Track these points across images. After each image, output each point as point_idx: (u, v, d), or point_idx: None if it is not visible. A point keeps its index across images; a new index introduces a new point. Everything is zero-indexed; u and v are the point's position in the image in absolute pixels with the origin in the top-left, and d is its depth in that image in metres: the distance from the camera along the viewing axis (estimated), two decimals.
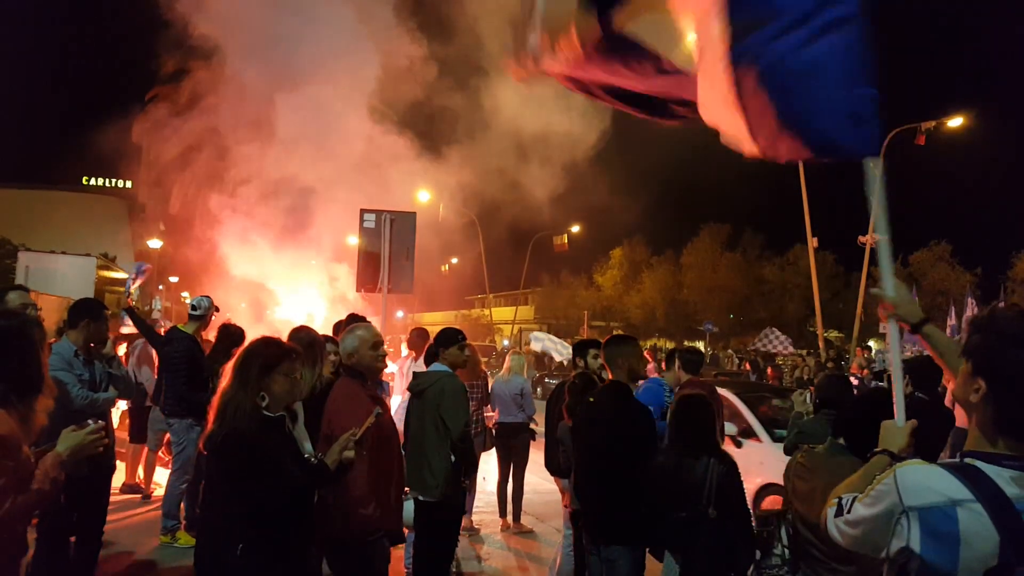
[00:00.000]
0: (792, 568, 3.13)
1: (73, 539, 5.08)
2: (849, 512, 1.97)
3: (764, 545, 3.42)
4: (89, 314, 5.15)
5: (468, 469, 5.07)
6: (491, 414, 8.13)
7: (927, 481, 1.79)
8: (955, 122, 22.72)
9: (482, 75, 17.91)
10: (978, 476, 1.75)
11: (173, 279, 45.35)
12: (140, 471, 8.71)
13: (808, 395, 6.25)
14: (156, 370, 8.01)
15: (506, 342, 41.01)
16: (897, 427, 2.34)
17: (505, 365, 8.43)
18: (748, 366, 24.45)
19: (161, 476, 8.90)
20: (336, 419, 3.95)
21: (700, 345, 38.85)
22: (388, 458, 4.14)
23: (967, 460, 1.82)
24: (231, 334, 6.53)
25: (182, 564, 5.93)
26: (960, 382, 1.93)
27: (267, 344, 3.25)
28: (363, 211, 9.34)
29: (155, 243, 39.09)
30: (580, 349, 6.33)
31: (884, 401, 2.99)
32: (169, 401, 6.80)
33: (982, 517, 1.69)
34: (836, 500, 2.05)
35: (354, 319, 6.78)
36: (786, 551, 3.24)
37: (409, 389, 5.40)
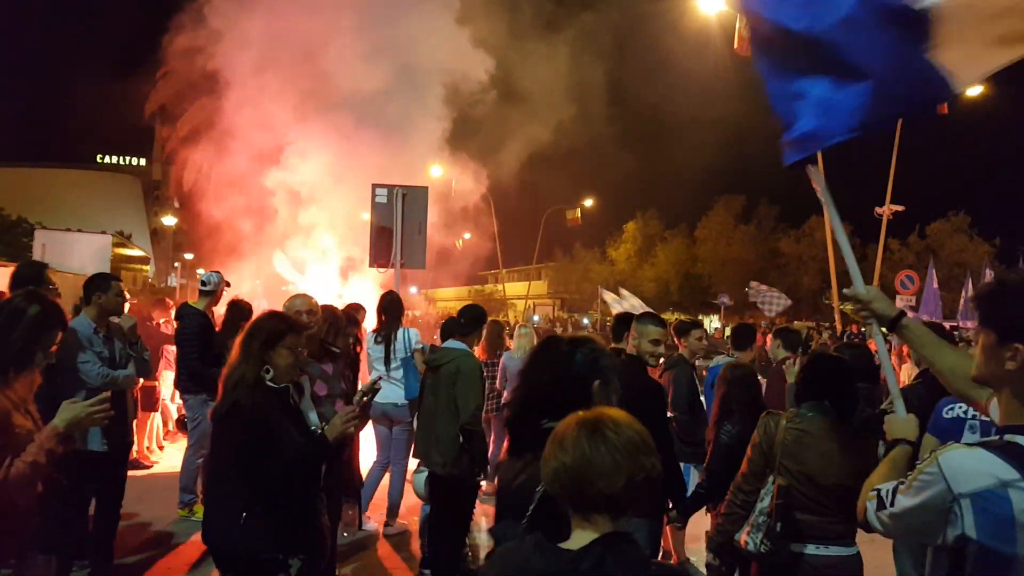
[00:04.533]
0: (783, 529, 3.25)
1: (92, 513, 5.15)
2: (892, 505, 1.92)
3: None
4: (98, 287, 5.10)
5: (479, 458, 5.05)
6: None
7: (974, 464, 1.73)
8: (975, 91, 22.31)
9: (496, 53, 17.74)
10: (1022, 454, 1.70)
11: (188, 256, 45.63)
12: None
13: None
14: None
15: (536, 318, 40.69)
16: (901, 419, 2.44)
17: (515, 339, 8.41)
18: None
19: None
20: None
21: (715, 319, 38.73)
22: None
23: (1007, 437, 1.76)
24: (241, 309, 6.52)
25: (199, 537, 5.99)
26: (985, 357, 1.87)
27: (271, 318, 3.30)
28: (375, 186, 9.30)
29: (169, 220, 39.27)
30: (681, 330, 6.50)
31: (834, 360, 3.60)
32: (182, 377, 6.85)
33: None
34: (875, 492, 2.01)
35: (390, 297, 6.89)
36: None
37: (426, 363, 5.45)
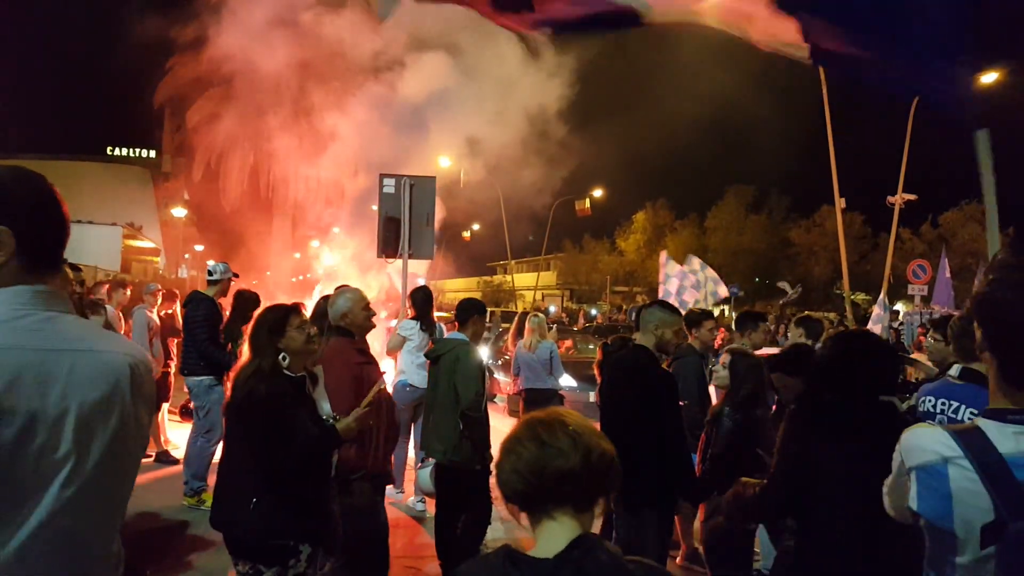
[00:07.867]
0: None
1: None
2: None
3: None
4: None
5: (480, 445, 5.07)
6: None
7: (924, 441, 1.80)
8: (988, 78, 22.06)
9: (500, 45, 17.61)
10: (974, 435, 1.74)
11: (199, 247, 45.80)
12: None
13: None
14: (153, 337, 8.17)
15: (552, 308, 40.51)
16: None
17: (526, 330, 8.41)
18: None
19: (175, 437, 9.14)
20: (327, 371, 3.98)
21: (725, 309, 38.62)
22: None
23: (977, 419, 1.81)
24: (246, 299, 6.59)
25: (208, 524, 6.01)
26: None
27: (270, 309, 3.38)
28: (382, 176, 9.27)
29: (179, 211, 39.39)
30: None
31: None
32: (188, 360, 6.93)
33: (971, 474, 1.69)
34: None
35: (426, 291, 7.43)
36: None
37: (427, 355, 5.50)
